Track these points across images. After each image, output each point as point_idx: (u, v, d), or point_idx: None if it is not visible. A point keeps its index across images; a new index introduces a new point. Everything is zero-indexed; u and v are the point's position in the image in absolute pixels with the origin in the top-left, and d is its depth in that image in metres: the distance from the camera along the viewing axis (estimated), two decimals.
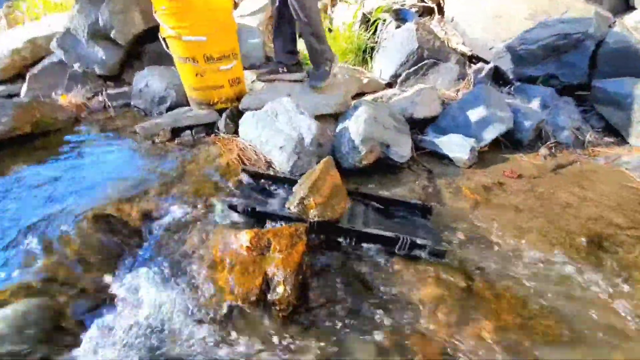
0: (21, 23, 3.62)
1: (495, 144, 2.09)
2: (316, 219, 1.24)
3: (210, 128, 2.06)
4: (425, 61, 2.65)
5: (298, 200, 1.26)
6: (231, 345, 0.94)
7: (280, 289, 1.01)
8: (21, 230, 1.24)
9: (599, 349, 0.99)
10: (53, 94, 2.57)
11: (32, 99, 2.06)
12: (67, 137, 2.02)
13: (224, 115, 2.05)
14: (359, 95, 2.50)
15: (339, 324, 1.02)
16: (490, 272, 1.22)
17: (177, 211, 1.37)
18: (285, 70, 2.24)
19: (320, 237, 1.29)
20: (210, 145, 1.88)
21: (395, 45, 2.79)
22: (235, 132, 1.96)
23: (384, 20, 3.15)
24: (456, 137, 2.00)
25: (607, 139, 2.22)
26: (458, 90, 2.51)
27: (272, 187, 1.60)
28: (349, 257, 1.25)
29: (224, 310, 1.01)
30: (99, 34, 2.57)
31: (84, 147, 1.90)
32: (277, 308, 1.00)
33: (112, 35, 2.53)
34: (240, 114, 2.01)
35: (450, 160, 1.95)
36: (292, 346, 0.94)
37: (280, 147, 1.67)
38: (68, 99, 2.45)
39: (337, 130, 1.86)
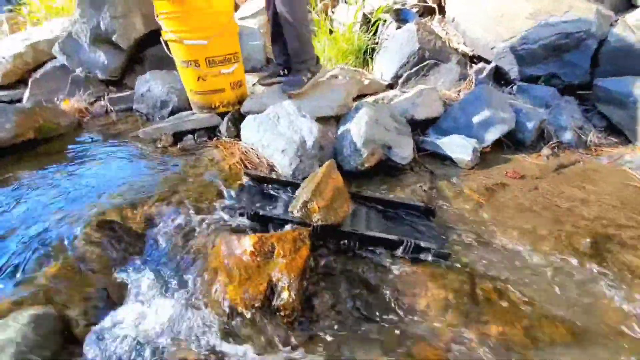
0: (23, 28, 3.64)
1: (497, 144, 2.08)
2: (319, 222, 1.24)
3: (212, 132, 2.06)
4: (426, 62, 2.64)
5: (301, 204, 1.26)
6: (236, 352, 0.94)
7: (285, 295, 1.01)
8: (25, 237, 1.25)
9: (604, 351, 0.99)
10: (55, 98, 2.59)
11: (35, 105, 2.06)
12: (70, 143, 2.03)
13: (225, 119, 2.05)
14: (360, 96, 2.49)
15: (344, 330, 1.02)
16: (494, 274, 1.22)
17: (180, 216, 1.37)
18: (286, 72, 2.24)
19: (324, 241, 1.29)
20: (213, 149, 1.88)
21: (396, 46, 2.79)
22: (237, 136, 1.96)
23: (385, 21, 3.15)
24: (458, 138, 1.99)
25: (609, 138, 2.20)
26: (459, 91, 2.50)
27: (275, 191, 1.60)
28: (352, 260, 1.25)
29: (229, 316, 1.01)
30: (100, 38, 2.58)
31: (86, 153, 1.90)
32: (282, 314, 1.00)
33: (113, 39, 2.54)
34: (242, 117, 2.01)
35: (452, 161, 1.95)
36: (297, 352, 0.94)
37: (282, 151, 1.67)
38: (70, 103, 2.46)
39: (339, 132, 1.86)
